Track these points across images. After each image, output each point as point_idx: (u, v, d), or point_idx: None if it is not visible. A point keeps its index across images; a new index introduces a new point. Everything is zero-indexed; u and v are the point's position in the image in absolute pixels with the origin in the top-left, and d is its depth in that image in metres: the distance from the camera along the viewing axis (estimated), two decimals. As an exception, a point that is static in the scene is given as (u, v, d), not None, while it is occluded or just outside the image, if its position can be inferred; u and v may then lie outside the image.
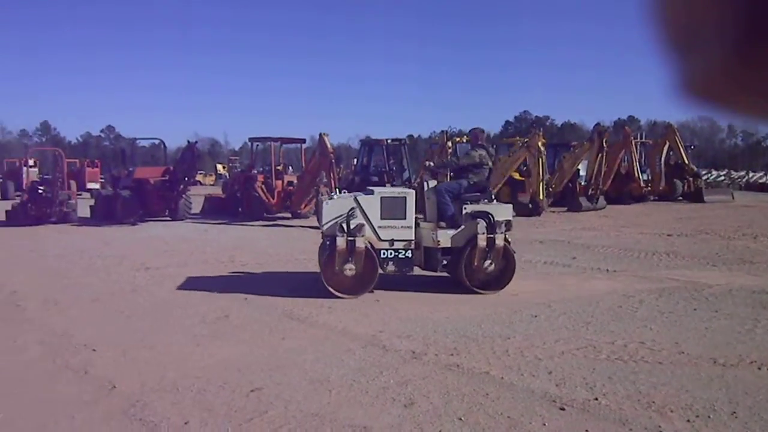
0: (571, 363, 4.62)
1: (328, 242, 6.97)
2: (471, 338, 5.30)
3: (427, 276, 7.70)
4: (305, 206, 17.10)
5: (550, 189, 18.81)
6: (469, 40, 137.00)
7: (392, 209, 7.07)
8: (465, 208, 7.19)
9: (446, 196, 7.31)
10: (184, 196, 17.38)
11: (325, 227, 7.01)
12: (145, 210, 17.21)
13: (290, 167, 22.74)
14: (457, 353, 4.88)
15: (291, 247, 11.69)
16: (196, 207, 18.81)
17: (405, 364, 4.63)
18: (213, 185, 50.00)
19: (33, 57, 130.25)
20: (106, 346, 5.12)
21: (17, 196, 21.24)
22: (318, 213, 15.45)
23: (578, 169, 20.31)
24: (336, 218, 6.90)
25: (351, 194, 7.45)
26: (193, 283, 7.84)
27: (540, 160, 17.41)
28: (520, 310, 6.34)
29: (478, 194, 7.51)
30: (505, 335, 5.39)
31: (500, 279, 7.17)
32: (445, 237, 7.12)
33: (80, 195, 23.41)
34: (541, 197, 17.56)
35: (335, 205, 7.05)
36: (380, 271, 7.03)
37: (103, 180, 35.41)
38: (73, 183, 22.53)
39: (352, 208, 6.91)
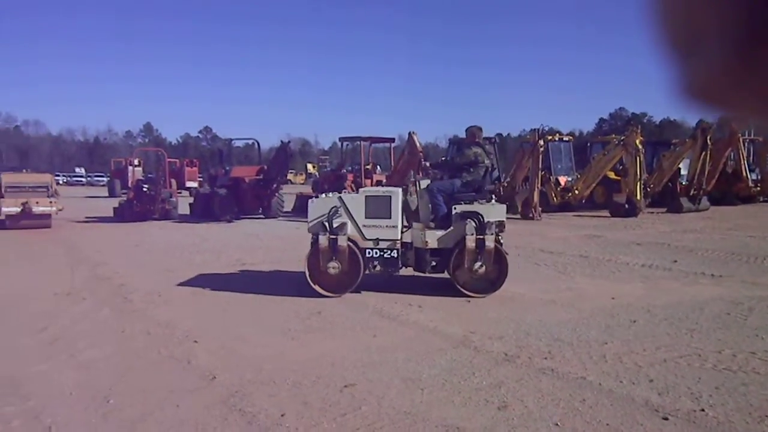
0: (675, 371, 4.40)
1: (312, 240, 7.01)
2: (565, 342, 5.15)
3: (515, 277, 7.55)
4: (394, 205, 17.20)
5: (648, 189, 18.03)
6: (562, 38, 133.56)
7: (377, 208, 6.96)
8: (455, 209, 6.97)
9: (438, 196, 7.11)
10: (277, 194, 17.89)
11: (310, 225, 7.03)
12: (241, 208, 17.84)
13: (378, 166, 22.93)
14: (552, 357, 4.75)
15: (380, 245, 11.76)
16: (288, 205, 19.33)
17: (497, 366, 4.55)
18: (303, 184, 51.32)
19: (137, 63, 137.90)
20: (207, 338, 5.33)
21: (123, 193, 22.59)
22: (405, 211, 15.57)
23: (679, 168, 19.35)
24: (319, 217, 6.93)
25: (336, 193, 7.35)
26: (286, 279, 8.05)
27: (638, 158, 16.73)
28: (618, 314, 6.10)
29: (473, 194, 7.25)
30: (601, 340, 5.20)
31: (492, 282, 6.88)
32: (433, 237, 6.96)
33: (180, 193, 24.56)
34: (638, 197, 16.87)
35: (319, 204, 7.04)
36: (366, 271, 6.94)
37: (201, 179, 37.06)
38: (173, 182, 23.71)
39: (334, 207, 6.89)
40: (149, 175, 22.65)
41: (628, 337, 5.28)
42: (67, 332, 5.58)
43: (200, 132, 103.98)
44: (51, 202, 15.10)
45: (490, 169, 7.71)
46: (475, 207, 6.98)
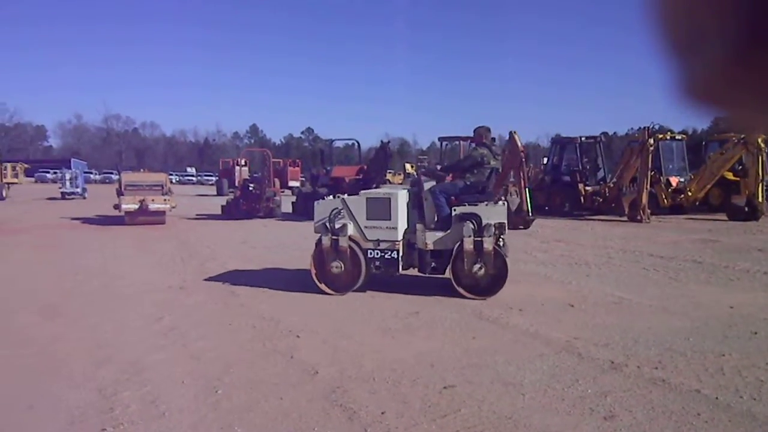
0: (803, 389, 4.05)
1: (317, 241, 7.22)
2: (678, 352, 4.86)
3: (621, 283, 7.23)
4: (493, 205, 16.93)
5: (772, 191, 16.76)
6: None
7: (377, 210, 7.05)
8: (454, 210, 6.96)
9: (440, 197, 7.10)
10: (376, 194, 18.06)
11: (315, 226, 7.24)
12: (341, 207, 18.12)
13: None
14: (663, 367, 4.51)
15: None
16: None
17: (603, 374, 4.37)
18: (401, 184, 51.62)
19: (244, 68, 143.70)
20: (309, 333, 5.46)
21: (230, 192, 23.58)
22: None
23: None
24: (323, 218, 7.15)
25: (340, 196, 7.52)
26: (385, 279, 8.10)
27: (760, 158, 15.60)
28: (737, 324, 5.70)
29: (477, 195, 7.20)
30: (718, 351, 4.87)
31: (492, 285, 6.75)
32: (433, 239, 7.00)
33: (283, 192, 25.32)
34: (759, 200, 15.74)
35: (323, 206, 7.25)
36: (370, 271, 7.08)
37: (303, 178, 38.11)
38: (277, 181, 24.49)
39: (335, 209, 7.09)
40: (255, 175, 23.51)
41: (749, 350, 4.92)
42: (180, 323, 5.88)
43: (302, 133, 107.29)
44: (165, 199, 16.01)
45: (497, 170, 7.66)
46: (474, 208, 6.92)
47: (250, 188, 18.40)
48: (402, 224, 7.10)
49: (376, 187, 17.69)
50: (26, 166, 48.68)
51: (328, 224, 7.07)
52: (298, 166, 41.21)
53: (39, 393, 4.03)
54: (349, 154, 45.35)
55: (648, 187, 16.26)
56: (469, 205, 7.01)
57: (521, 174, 14.54)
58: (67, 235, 14.20)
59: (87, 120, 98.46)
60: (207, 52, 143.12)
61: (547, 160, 21.19)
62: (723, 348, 4.96)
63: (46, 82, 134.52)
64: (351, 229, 7.06)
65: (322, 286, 7.12)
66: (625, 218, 16.35)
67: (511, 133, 15.06)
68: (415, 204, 7.34)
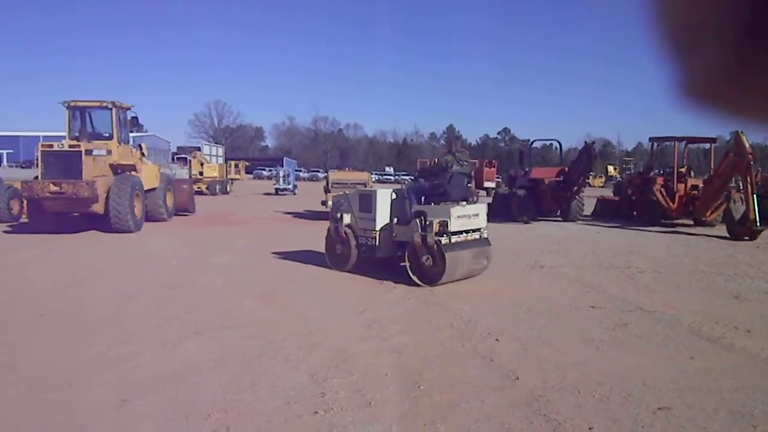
0: None
1: (328, 228, 8.85)
2: None
3: None
4: (711, 213, 15.38)
5: None
6: None
7: (365, 204, 8.38)
8: (413, 208, 7.92)
9: (411, 196, 8.15)
10: (577, 197, 17.36)
11: (330, 216, 8.87)
12: (538, 209, 17.69)
13: (691, 170, 20.79)
14: None
15: (694, 257, 10.65)
16: (587, 209, 18.61)
17: None
18: (602, 187, 49.16)
19: (438, 71, 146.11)
20: (507, 337, 5.35)
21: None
22: (727, 220, 13.77)
23: None
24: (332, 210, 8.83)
25: (346, 192, 9.20)
26: (587, 285, 7.73)
27: None
28: None
29: (439, 196, 8.09)
30: None
31: (435, 275, 7.46)
32: (398, 232, 8.13)
33: (478, 193, 25.29)
34: None
35: (335, 200, 8.95)
36: (360, 253, 8.37)
37: (498, 179, 37.75)
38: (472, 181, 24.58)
39: (338, 202, 8.72)
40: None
41: None
42: (382, 317, 6.09)
43: (499, 133, 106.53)
44: (368, 197, 16.77)
45: (460, 173, 8.29)
46: (424, 207, 7.87)
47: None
48: (380, 217, 8.27)
49: (577, 190, 17.10)
50: (247, 163, 54.09)
51: (334, 214, 8.66)
52: (494, 166, 40.89)
53: (260, 372, 4.40)
54: (547, 155, 43.98)
55: None
56: (434, 204, 7.96)
57: (748, 179, 12.99)
58: (279, 228, 15.49)
59: (298, 122, 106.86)
60: (408, 56, 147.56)
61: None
62: None
63: (264, 87, 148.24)
64: (348, 219, 8.50)
65: (330, 263, 8.66)
66: None
67: (736, 133, 13.56)
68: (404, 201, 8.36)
